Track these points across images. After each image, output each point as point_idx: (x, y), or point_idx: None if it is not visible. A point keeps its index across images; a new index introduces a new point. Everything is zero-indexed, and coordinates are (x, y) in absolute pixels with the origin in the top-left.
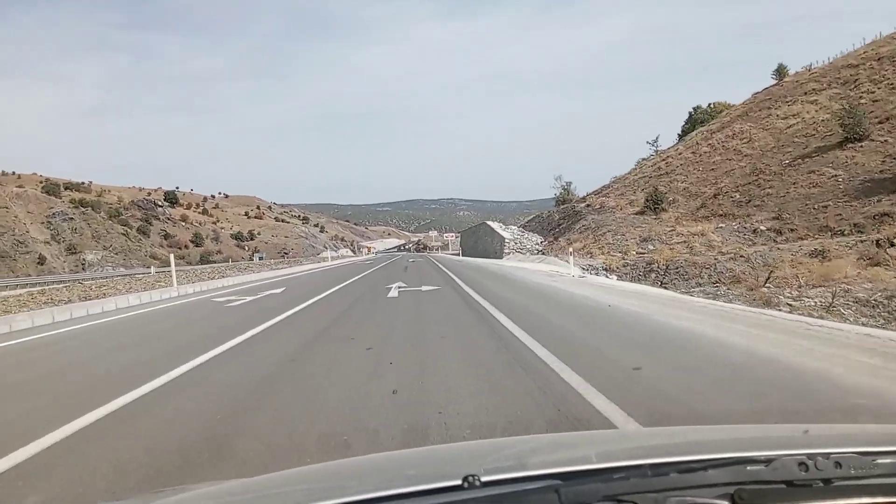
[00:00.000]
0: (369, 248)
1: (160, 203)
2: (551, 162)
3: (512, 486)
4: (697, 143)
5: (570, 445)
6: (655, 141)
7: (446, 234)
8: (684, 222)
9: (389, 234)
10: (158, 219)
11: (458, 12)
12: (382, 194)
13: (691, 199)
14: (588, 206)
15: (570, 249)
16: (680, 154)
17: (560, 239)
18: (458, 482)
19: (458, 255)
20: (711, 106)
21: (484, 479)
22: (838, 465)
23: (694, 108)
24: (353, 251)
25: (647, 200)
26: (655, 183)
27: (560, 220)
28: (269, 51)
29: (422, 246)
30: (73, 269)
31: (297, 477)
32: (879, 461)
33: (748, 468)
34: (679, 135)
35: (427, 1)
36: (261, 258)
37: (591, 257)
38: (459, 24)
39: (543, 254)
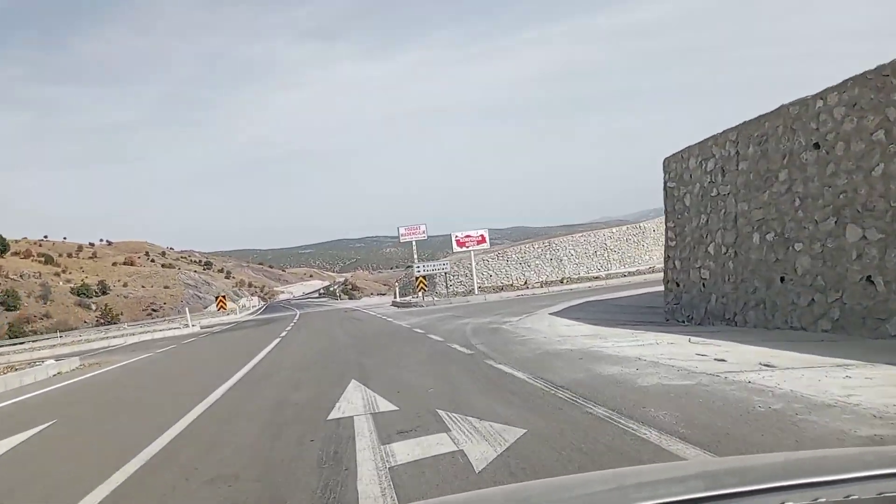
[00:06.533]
0: (221, 303)
1: None
2: (477, 194)
3: None
4: None
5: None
6: None
7: (463, 235)
8: None
9: (311, 276)
10: None
11: (376, 53)
12: (305, 236)
13: None
14: None
15: None
16: None
17: None
18: None
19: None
20: None
21: None
22: None
23: None
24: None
25: None
26: None
27: None
28: (184, 98)
29: (350, 287)
30: None
31: None
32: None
33: None
34: None
35: (345, 41)
36: None
37: None
38: (378, 63)
39: None
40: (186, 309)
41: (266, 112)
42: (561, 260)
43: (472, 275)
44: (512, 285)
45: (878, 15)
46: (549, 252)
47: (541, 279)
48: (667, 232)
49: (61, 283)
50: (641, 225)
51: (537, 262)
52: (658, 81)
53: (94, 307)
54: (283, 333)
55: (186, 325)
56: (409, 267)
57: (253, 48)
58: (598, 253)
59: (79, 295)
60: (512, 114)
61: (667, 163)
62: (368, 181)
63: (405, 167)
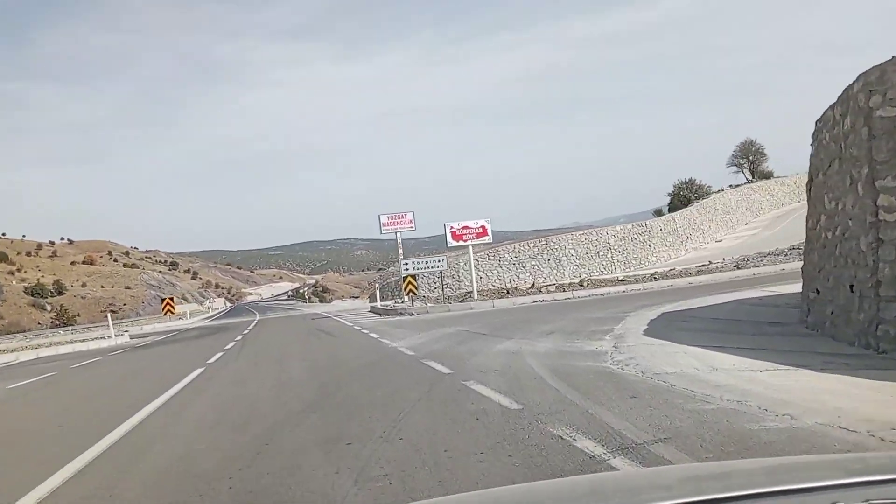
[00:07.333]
0: (168, 307)
1: None
2: (448, 198)
3: None
4: None
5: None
6: None
7: (459, 227)
8: None
9: (281, 278)
10: None
11: (352, 53)
12: (275, 238)
13: None
14: None
15: None
16: None
17: None
18: None
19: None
20: None
21: None
22: None
23: None
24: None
25: None
26: None
27: None
28: (153, 97)
29: (320, 289)
30: None
31: None
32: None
33: None
34: None
35: (319, 41)
36: None
37: None
38: (353, 65)
39: None
40: (108, 315)
41: (237, 112)
42: (560, 260)
43: (467, 275)
44: (517, 288)
45: (856, 27)
46: (546, 252)
47: (537, 281)
48: (858, 194)
49: (15, 282)
50: (647, 223)
51: (533, 262)
52: (630, 88)
53: (49, 308)
54: (217, 356)
55: (110, 336)
56: (381, 269)
57: (225, 47)
58: (601, 253)
59: (33, 295)
60: (489, 116)
61: (875, 75)
62: (342, 183)
63: (378, 170)
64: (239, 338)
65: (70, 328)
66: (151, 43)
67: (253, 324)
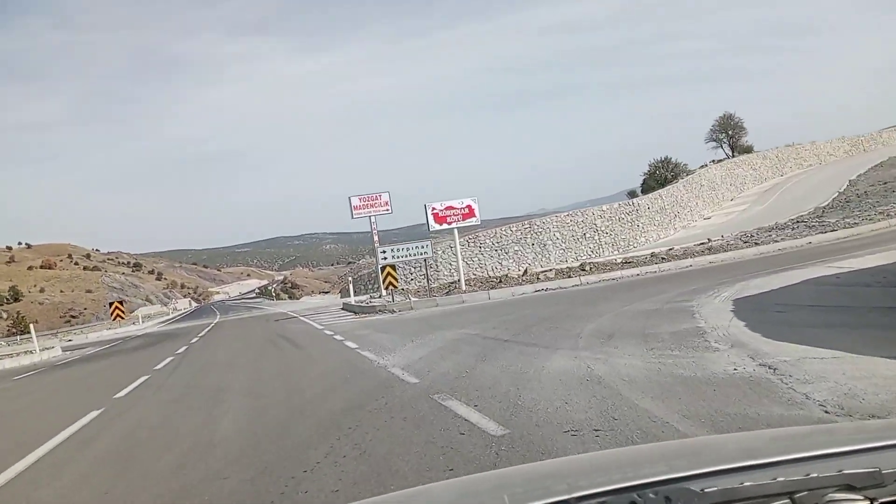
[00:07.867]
0: (117, 312)
1: None
2: (415, 188)
3: None
4: None
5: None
6: None
7: (442, 207)
8: None
9: (249, 275)
10: None
11: (312, 48)
12: (242, 235)
13: None
14: None
15: None
16: None
17: None
18: None
19: None
20: None
21: None
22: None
23: None
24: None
25: None
26: None
27: None
28: (111, 94)
29: (289, 286)
30: None
31: None
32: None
33: None
34: None
35: (281, 35)
36: None
37: None
38: (314, 59)
39: None
40: (31, 326)
41: (198, 109)
42: (545, 245)
43: (446, 264)
44: (508, 276)
45: (808, 10)
46: (529, 236)
47: (528, 267)
48: None
49: None
50: (635, 202)
51: (516, 247)
52: (598, 77)
53: (5, 316)
54: (136, 384)
55: (34, 351)
56: (350, 263)
57: (183, 43)
58: (588, 235)
59: None
60: (456, 109)
61: None
62: (308, 177)
63: (345, 164)
64: (181, 350)
65: (18, 338)
66: (109, 39)
67: (207, 328)
